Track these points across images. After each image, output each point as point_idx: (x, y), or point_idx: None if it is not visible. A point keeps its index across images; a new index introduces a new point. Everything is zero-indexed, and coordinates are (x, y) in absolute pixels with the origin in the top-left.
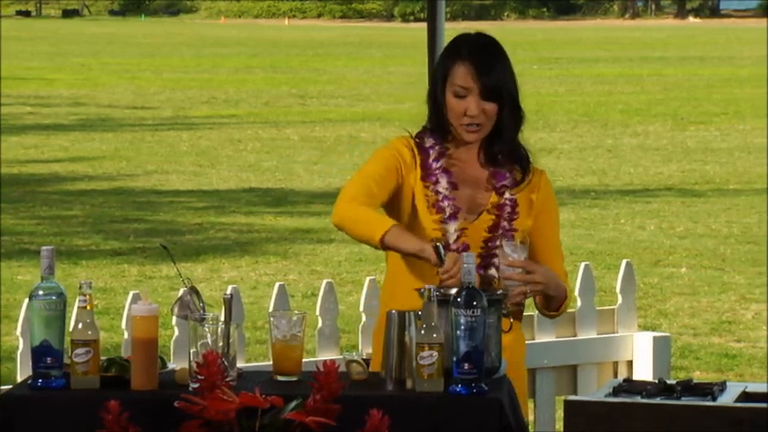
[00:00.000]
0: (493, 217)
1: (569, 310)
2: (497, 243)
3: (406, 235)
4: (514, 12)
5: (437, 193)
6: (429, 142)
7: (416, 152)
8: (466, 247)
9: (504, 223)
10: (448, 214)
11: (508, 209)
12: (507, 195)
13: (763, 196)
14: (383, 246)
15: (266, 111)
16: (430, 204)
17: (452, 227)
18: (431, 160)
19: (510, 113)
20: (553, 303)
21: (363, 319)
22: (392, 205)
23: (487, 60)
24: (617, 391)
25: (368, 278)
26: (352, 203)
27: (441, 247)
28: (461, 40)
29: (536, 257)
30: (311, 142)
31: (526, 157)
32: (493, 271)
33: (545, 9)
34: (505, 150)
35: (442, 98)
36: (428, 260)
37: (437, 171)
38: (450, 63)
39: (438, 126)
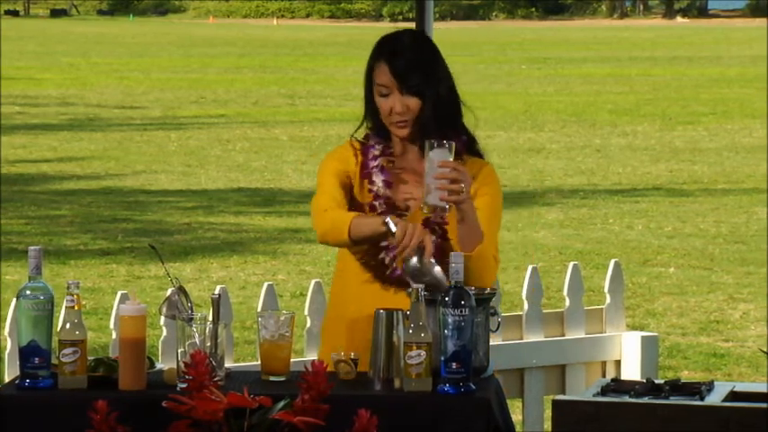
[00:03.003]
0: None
1: (557, 310)
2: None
3: (363, 222)
4: (503, 12)
5: (371, 191)
6: (372, 142)
7: (359, 154)
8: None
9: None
10: (379, 212)
11: None
12: None
13: (751, 196)
14: (354, 243)
15: (255, 111)
16: (370, 203)
17: None
18: (369, 159)
19: (432, 107)
20: (467, 241)
21: None
22: (351, 206)
23: (404, 57)
24: (605, 390)
25: None
26: (323, 214)
27: (389, 222)
28: (383, 39)
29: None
30: (300, 142)
31: (459, 152)
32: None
33: (533, 9)
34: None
35: (371, 98)
36: (385, 235)
37: (373, 169)
38: (372, 63)
39: (376, 126)
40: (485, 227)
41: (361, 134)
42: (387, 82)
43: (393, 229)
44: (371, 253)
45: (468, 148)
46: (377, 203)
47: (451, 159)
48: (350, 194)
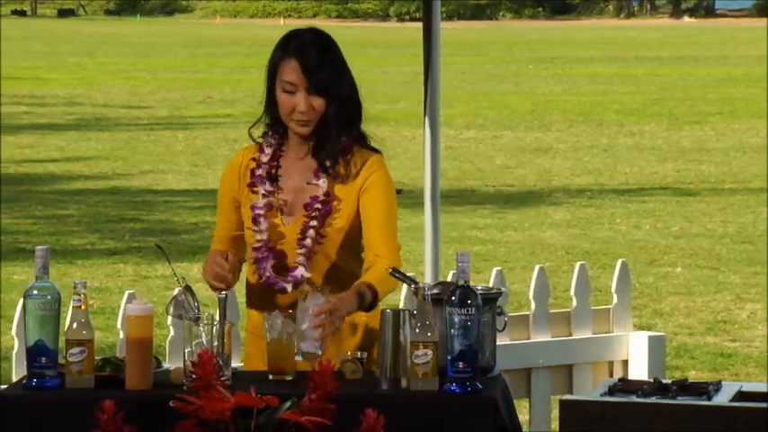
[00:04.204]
0: (303, 216)
1: (564, 310)
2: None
3: (205, 268)
4: (510, 11)
5: (255, 200)
6: (268, 142)
7: (253, 155)
8: (275, 255)
9: (314, 222)
10: (258, 223)
11: (317, 206)
12: (318, 193)
13: (758, 196)
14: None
15: (261, 111)
16: (252, 208)
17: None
18: (260, 163)
19: (336, 109)
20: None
21: None
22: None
23: (314, 57)
24: (612, 390)
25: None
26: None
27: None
28: (291, 36)
29: (363, 236)
30: None
31: (347, 149)
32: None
33: (540, 9)
34: (332, 144)
35: (273, 94)
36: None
37: (257, 178)
38: (278, 59)
39: (274, 121)
40: (379, 225)
41: (259, 129)
42: (295, 80)
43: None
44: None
45: (358, 142)
46: (257, 213)
47: (323, 301)
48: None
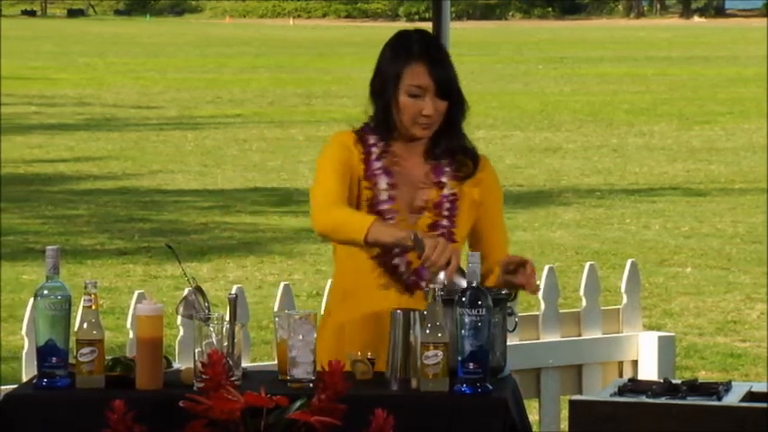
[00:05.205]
0: (432, 215)
1: (574, 310)
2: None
3: (385, 230)
4: (519, 11)
5: (376, 194)
6: (371, 140)
7: (360, 148)
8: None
9: (445, 221)
10: (386, 217)
11: (447, 205)
12: (446, 191)
13: None
14: (367, 245)
15: (271, 110)
16: (370, 204)
17: None
18: (372, 159)
19: (459, 109)
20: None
21: None
22: (349, 198)
23: (439, 58)
24: (622, 390)
25: None
26: (330, 209)
27: (418, 235)
28: (409, 38)
29: (481, 239)
30: (316, 142)
31: (473, 149)
32: (440, 274)
33: (550, 9)
34: (456, 144)
35: (394, 98)
36: (410, 249)
37: (378, 171)
38: (402, 63)
39: (383, 124)
40: (499, 228)
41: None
42: (424, 83)
43: (421, 246)
44: (383, 256)
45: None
46: (383, 208)
47: (311, 328)
48: (349, 187)
